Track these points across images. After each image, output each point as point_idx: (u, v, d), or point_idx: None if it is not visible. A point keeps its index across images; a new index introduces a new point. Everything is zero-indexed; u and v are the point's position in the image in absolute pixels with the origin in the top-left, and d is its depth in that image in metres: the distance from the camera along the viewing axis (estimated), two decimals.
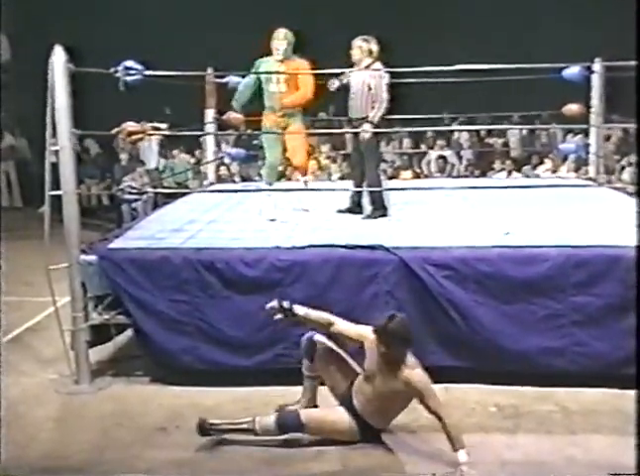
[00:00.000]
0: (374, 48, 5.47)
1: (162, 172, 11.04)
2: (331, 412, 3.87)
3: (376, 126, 5.40)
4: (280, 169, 9.90)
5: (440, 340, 4.46)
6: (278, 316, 3.87)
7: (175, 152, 11.38)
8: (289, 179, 9.21)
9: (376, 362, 3.69)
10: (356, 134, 5.59)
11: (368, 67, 5.43)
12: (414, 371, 3.63)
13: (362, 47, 5.47)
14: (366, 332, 3.77)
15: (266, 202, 5.69)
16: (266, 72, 5.56)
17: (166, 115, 12.02)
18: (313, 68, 5.62)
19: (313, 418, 3.81)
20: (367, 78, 5.40)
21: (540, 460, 3.66)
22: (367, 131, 5.36)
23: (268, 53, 5.63)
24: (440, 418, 3.57)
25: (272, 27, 5.66)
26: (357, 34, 5.57)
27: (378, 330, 3.64)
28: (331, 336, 3.97)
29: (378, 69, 5.41)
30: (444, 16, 13.31)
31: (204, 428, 3.88)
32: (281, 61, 5.57)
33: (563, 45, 9.88)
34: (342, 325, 3.89)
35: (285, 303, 3.86)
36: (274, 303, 3.87)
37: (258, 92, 5.73)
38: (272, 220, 5.55)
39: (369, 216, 5.59)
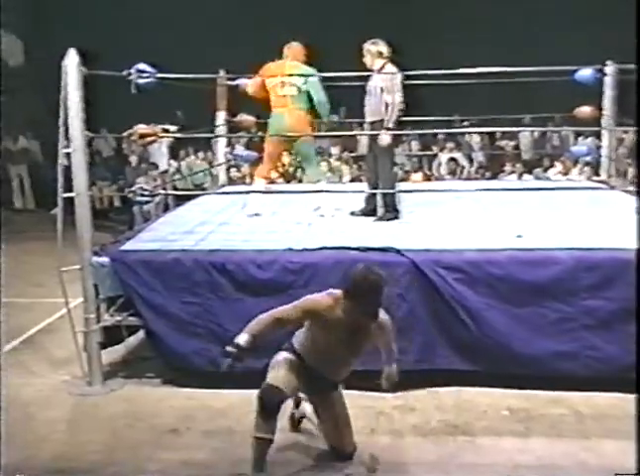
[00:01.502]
0: (384, 49, 5.49)
1: (173, 174, 11.08)
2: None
3: (393, 130, 5.40)
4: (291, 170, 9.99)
5: (451, 343, 4.45)
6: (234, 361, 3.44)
7: (200, 154, 11.43)
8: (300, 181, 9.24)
9: (345, 323, 3.41)
10: (371, 137, 5.59)
11: (381, 70, 5.45)
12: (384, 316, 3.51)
13: (370, 50, 5.50)
14: (315, 303, 3.45)
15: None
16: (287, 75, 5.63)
17: (177, 117, 12.08)
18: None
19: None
20: (379, 81, 5.41)
21: (552, 464, 3.65)
22: (386, 134, 5.33)
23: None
24: (391, 348, 3.58)
25: (282, 30, 5.68)
26: (366, 39, 5.58)
27: (348, 289, 3.34)
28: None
29: (393, 72, 5.41)
30: (456, 17, 13.30)
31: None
32: None
33: (575, 47, 9.84)
34: (288, 315, 3.54)
35: (229, 348, 3.42)
36: (228, 361, 3.42)
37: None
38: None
39: (380, 218, 5.59)
